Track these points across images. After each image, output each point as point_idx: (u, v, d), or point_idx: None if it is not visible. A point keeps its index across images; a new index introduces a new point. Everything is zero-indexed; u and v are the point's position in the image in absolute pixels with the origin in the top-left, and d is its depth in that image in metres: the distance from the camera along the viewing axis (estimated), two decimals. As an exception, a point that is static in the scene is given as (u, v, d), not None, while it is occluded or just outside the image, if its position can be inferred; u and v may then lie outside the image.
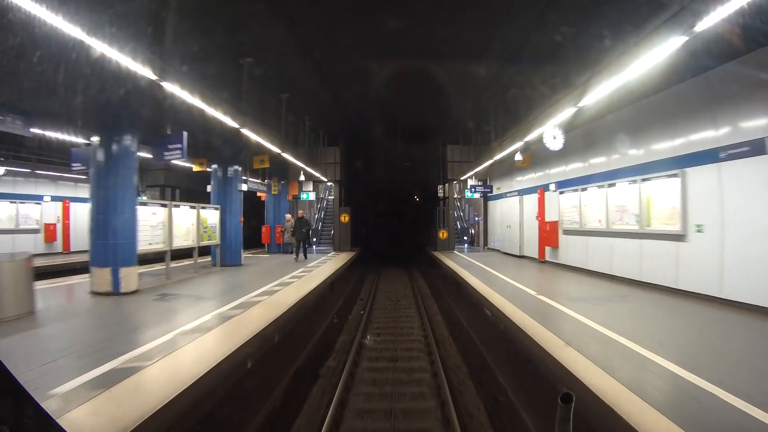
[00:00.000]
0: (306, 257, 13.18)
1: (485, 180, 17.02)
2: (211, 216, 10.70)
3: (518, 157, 10.17)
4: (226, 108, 7.07)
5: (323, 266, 11.46)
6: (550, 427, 1.15)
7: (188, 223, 9.76)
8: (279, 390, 5.00)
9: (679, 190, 6.90)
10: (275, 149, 9.88)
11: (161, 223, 8.72)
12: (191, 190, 18.83)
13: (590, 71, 6.00)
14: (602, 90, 5.85)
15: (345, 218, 16.87)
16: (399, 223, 30.68)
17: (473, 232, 20.00)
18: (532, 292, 7.12)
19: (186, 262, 11.89)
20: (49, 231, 16.47)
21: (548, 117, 8.04)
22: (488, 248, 17.34)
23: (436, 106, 15.33)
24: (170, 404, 2.98)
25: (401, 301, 11.16)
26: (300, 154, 12.95)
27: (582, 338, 4.39)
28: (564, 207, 10.51)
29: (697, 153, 6.63)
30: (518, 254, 13.46)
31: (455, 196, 17.88)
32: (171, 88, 5.54)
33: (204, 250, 11.60)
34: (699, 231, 6.61)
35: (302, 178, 14.06)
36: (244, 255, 14.80)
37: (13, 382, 0.80)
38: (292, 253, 15.39)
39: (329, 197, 21.05)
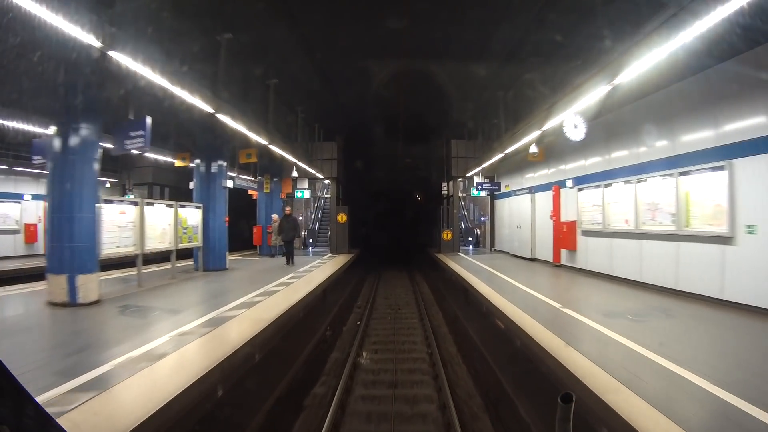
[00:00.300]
0: (293, 262, 11.92)
1: (492, 177, 16.05)
2: (192, 215, 9.80)
3: (533, 149, 9.25)
4: (197, 89, 6.16)
5: (316, 271, 10.55)
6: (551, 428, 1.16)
7: (164, 223, 8.86)
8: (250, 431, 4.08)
9: (725, 185, 5.97)
10: (261, 140, 8.97)
11: (131, 224, 7.84)
12: (183, 189, 17.94)
13: (628, 42, 5.07)
14: (642, 64, 4.91)
15: (342, 218, 15.95)
16: (400, 223, 29.73)
17: (479, 232, 19.08)
18: (556, 305, 6.18)
19: (167, 266, 11.02)
20: (30, 231, 15.64)
21: (571, 102, 7.10)
22: (495, 250, 16.40)
23: (439, 99, 14.47)
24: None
25: (402, 309, 10.23)
26: (293, 148, 12.04)
27: (635, 372, 3.46)
28: (583, 205, 9.57)
29: (748, 141, 5.70)
30: (530, 257, 12.52)
31: (460, 194, 16.93)
32: (124, 60, 4.63)
33: (188, 253, 10.74)
34: (750, 232, 5.68)
35: (295, 174, 13.14)
36: (233, 257, 13.95)
37: (13, 382, 0.80)
38: (283, 255, 14.55)
39: (326, 196, 20.13)
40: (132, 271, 9.67)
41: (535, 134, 9.09)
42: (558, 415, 1.12)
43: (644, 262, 7.68)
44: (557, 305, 6.11)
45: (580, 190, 9.70)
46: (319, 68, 11.47)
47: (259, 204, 15.52)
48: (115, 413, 2.79)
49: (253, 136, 8.59)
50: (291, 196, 16.54)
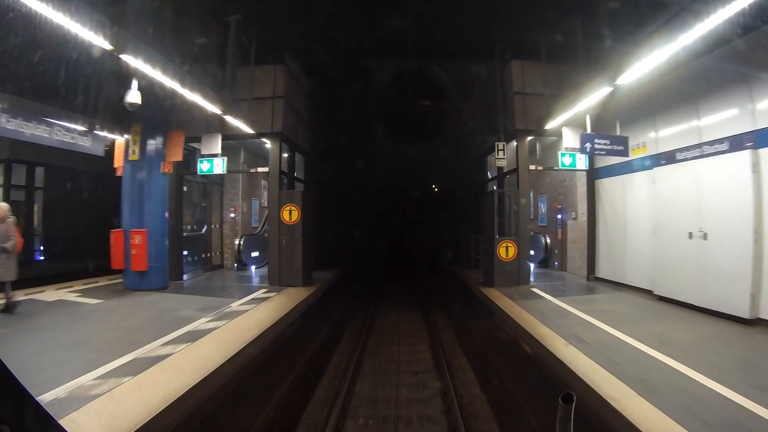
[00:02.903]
0: None
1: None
2: None
3: None
4: None
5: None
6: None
7: None
8: None
9: None
10: None
11: None
12: (69, 169, 10.80)
13: None
14: None
15: (291, 214, 8.90)
16: (405, 226, 22.41)
17: (548, 241, 12.02)
18: None
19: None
20: None
21: None
22: (596, 278, 9.39)
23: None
24: None
25: None
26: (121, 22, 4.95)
27: None
28: None
29: None
30: (746, 316, 5.45)
31: (531, 167, 9.50)
32: None
33: None
34: None
35: (134, 98, 5.65)
36: (79, 291, 6.95)
37: (13, 382, 0.84)
38: (162, 289, 7.80)
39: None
40: None
41: None
42: (559, 415, 1.17)
43: None
44: None
45: None
46: None
47: (123, 184, 8.60)
48: None
49: None
50: (192, 173, 9.53)
